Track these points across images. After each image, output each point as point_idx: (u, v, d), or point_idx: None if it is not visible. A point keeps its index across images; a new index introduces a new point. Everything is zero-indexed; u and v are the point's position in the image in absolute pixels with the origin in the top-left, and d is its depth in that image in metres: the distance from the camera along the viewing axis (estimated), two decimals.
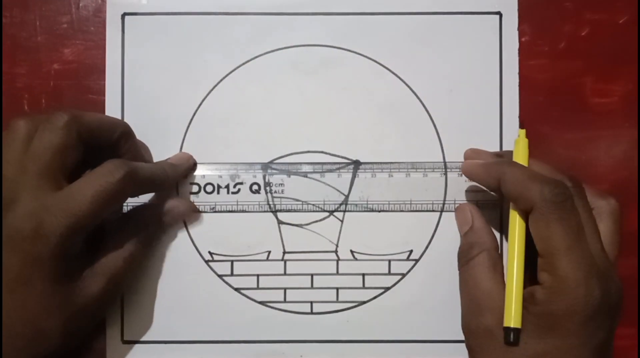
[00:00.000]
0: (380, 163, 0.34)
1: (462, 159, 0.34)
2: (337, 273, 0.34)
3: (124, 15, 0.34)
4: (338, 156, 0.34)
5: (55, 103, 0.35)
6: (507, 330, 0.28)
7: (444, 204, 0.34)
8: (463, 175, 0.34)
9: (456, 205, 0.34)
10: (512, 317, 0.28)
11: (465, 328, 0.31)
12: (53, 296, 0.28)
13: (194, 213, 0.34)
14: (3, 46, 0.35)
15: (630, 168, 0.35)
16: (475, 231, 0.32)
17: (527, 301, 0.28)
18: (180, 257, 0.34)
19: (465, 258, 0.32)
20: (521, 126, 0.34)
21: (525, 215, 0.29)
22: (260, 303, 0.34)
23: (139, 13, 0.34)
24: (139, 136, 0.34)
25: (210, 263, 0.34)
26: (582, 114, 0.35)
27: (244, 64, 0.34)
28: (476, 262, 0.31)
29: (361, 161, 0.34)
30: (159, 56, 0.34)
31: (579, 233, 0.27)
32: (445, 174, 0.34)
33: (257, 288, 0.34)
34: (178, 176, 0.34)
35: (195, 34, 0.34)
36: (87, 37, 0.35)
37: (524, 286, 0.29)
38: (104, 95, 0.34)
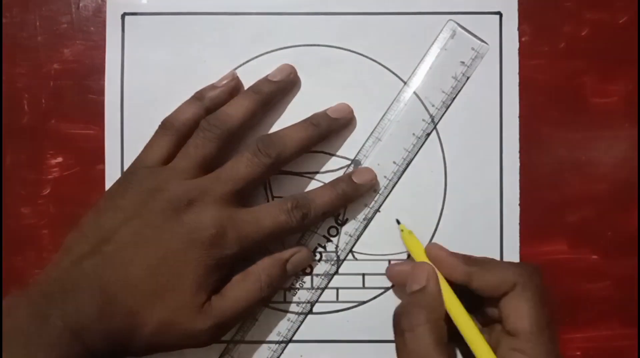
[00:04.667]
0: (380, 162, 0.34)
1: (462, 159, 0.34)
2: (337, 273, 0.34)
3: (124, 15, 0.34)
4: (338, 156, 0.34)
5: (55, 103, 0.35)
6: None
7: (443, 204, 0.34)
8: (463, 175, 0.34)
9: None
10: None
11: None
12: (192, 304, 0.29)
13: (312, 259, 0.34)
14: (3, 45, 0.35)
15: (630, 168, 0.35)
16: (428, 294, 0.30)
17: None
18: None
19: (408, 323, 0.28)
20: (398, 221, 0.34)
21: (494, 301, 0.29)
22: None
23: (139, 13, 0.34)
24: (139, 136, 0.34)
25: None
26: (582, 114, 0.35)
27: (244, 64, 0.34)
28: (422, 333, 0.28)
29: (361, 161, 0.34)
30: (159, 56, 0.34)
31: (550, 314, 0.28)
32: (445, 174, 0.34)
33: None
34: (338, 128, 0.34)
35: (195, 34, 0.34)
36: (87, 37, 0.35)
37: None
38: (103, 95, 0.34)
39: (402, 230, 0.33)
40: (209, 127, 0.31)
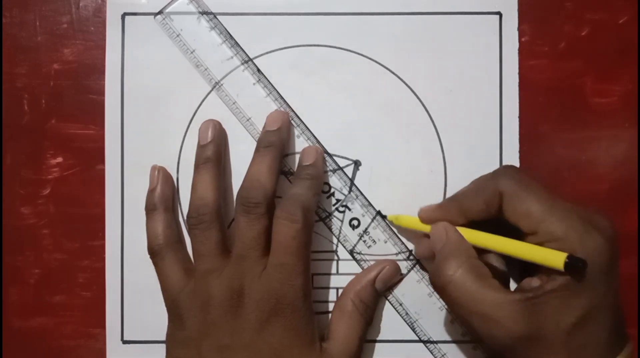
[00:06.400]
0: (380, 163, 0.34)
1: (462, 159, 0.34)
2: (337, 273, 0.34)
3: (124, 15, 0.34)
4: (338, 156, 0.34)
5: (55, 103, 0.35)
6: (571, 262, 0.26)
7: None
8: (463, 175, 0.34)
9: None
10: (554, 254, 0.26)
11: (492, 346, 0.28)
12: None
13: (399, 272, 0.34)
14: (3, 45, 0.35)
15: (630, 168, 0.35)
16: (450, 243, 0.29)
17: (544, 280, 0.27)
18: None
19: (444, 275, 0.28)
20: (382, 216, 0.34)
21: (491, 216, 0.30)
22: None
23: (139, 13, 0.34)
24: (139, 136, 0.34)
25: None
26: (582, 114, 0.35)
27: (243, 63, 0.34)
28: (460, 277, 0.27)
29: (361, 161, 0.34)
30: (159, 56, 0.34)
31: (551, 193, 0.28)
32: (445, 174, 0.34)
33: None
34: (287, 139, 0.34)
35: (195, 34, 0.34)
36: (87, 37, 0.35)
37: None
38: (103, 95, 0.34)
39: (392, 220, 0.34)
40: (197, 221, 0.31)
